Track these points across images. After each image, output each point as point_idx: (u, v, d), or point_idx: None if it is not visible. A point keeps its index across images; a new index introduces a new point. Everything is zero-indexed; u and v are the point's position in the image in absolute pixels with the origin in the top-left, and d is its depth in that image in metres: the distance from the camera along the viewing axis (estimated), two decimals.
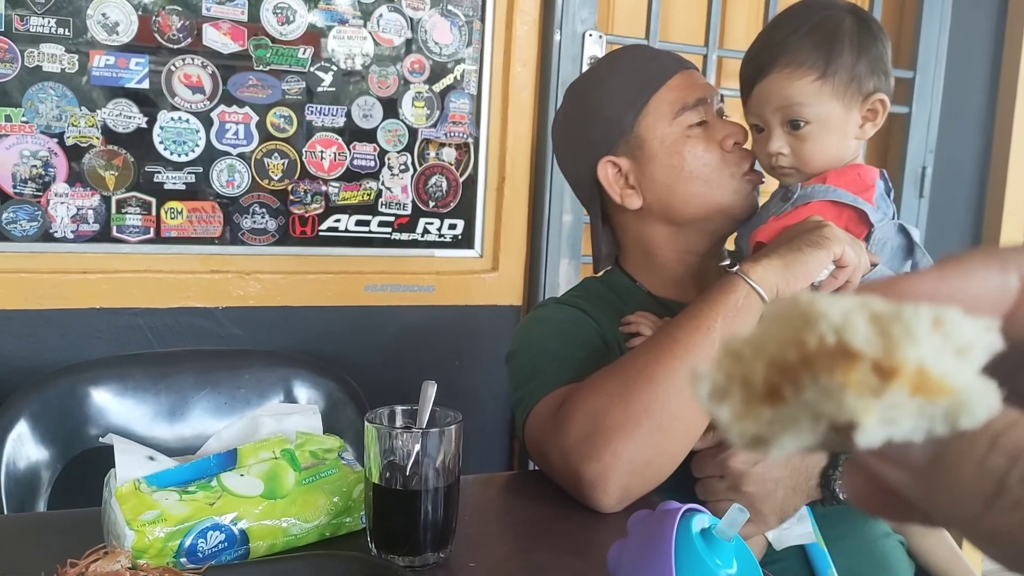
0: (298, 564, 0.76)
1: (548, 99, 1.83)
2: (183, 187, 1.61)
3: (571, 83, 1.20)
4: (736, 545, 0.66)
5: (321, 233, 1.72)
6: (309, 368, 1.34)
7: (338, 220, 1.73)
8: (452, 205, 1.82)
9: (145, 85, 1.56)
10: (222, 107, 1.61)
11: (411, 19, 1.73)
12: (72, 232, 1.55)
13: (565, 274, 1.89)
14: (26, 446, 1.13)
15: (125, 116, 1.56)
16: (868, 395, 0.23)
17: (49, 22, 1.49)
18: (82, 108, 1.53)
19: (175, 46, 1.57)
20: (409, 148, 1.77)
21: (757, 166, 1.12)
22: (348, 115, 1.71)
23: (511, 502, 1.02)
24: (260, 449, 0.85)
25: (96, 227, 1.56)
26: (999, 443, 0.23)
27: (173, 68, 1.58)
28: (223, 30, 1.60)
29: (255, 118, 1.64)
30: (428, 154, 1.78)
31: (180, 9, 1.57)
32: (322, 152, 1.70)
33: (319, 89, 1.68)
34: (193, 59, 1.59)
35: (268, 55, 1.64)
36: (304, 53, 1.66)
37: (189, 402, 1.26)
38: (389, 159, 1.75)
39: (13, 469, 1.11)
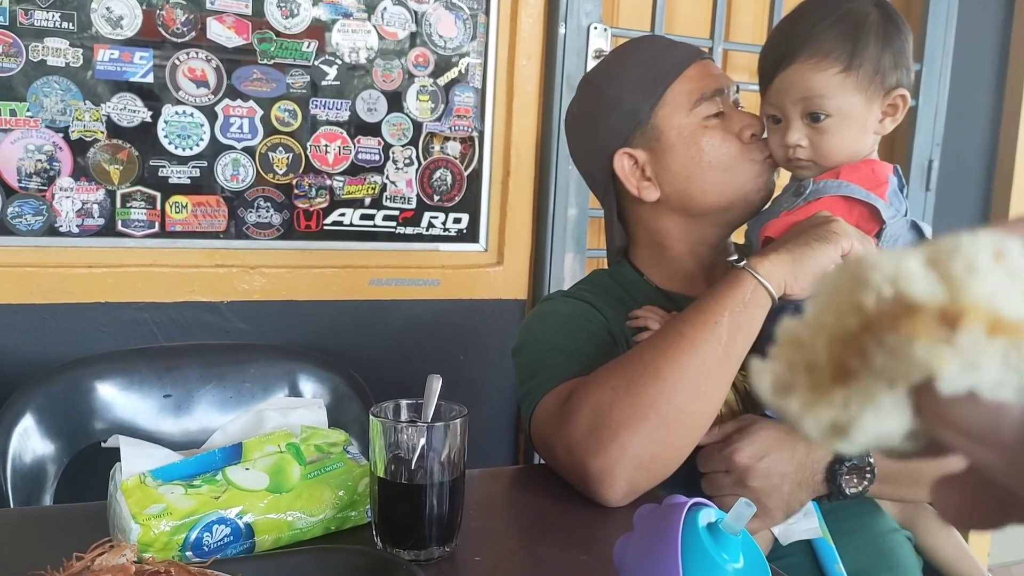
0: (303, 558, 0.76)
1: (553, 92, 1.82)
2: (188, 181, 1.61)
3: (585, 74, 1.19)
4: (743, 539, 0.65)
5: (326, 227, 1.72)
6: (314, 362, 1.34)
7: (343, 214, 1.73)
8: (457, 199, 1.82)
9: (149, 79, 1.56)
10: (226, 101, 1.61)
11: (415, 12, 1.73)
12: (77, 226, 1.55)
13: (570, 268, 1.89)
14: (32, 440, 1.13)
15: (130, 110, 1.55)
16: (940, 343, 0.20)
17: (53, 16, 1.49)
18: (87, 102, 1.52)
19: (179, 40, 1.57)
20: (414, 142, 1.76)
21: None
22: (352, 109, 1.70)
23: (516, 496, 1.02)
24: (265, 443, 0.85)
25: (101, 221, 1.56)
26: None
27: (177, 62, 1.57)
28: (227, 24, 1.60)
29: (259, 112, 1.64)
30: (433, 148, 1.78)
31: (184, 3, 1.56)
32: (326, 146, 1.70)
33: (323, 83, 1.68)
34: (197, 53, 1.58)
35: (272, 49, 1.63)
36: (308, 47, 1.66)
37: (194, 396, 1.26)
38: (393, 153, 1.75)
39: (19, 463, 1.12)
